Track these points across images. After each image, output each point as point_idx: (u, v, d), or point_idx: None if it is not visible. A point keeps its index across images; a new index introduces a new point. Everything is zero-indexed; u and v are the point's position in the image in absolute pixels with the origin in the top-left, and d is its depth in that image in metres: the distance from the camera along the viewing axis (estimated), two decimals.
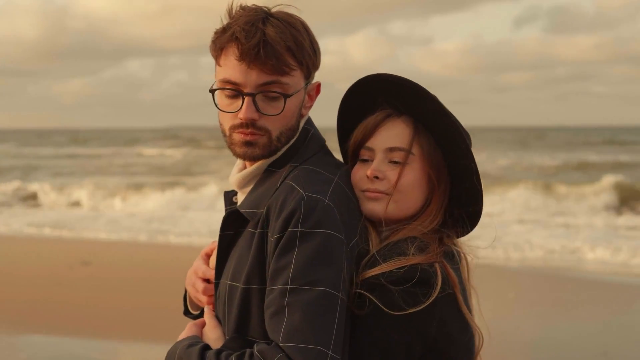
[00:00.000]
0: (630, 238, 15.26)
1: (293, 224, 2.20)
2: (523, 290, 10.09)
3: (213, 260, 2.51)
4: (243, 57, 2.27)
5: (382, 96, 2.45)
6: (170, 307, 9.42)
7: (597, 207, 20.87)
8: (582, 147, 55.67)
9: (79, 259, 12.41)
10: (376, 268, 2.24)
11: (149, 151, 57.73)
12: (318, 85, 2.46)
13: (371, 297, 2.21)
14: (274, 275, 2.21)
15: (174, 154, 53.45)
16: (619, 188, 22.63)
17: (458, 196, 2.45)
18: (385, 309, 2.19)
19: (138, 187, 27.23)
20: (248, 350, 2.19)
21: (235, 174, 2.50)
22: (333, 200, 2.26)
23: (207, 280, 2.53)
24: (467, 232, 2.49)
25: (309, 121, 2.48)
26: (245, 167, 2.49)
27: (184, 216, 20.04)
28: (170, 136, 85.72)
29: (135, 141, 75.64)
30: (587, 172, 31.49)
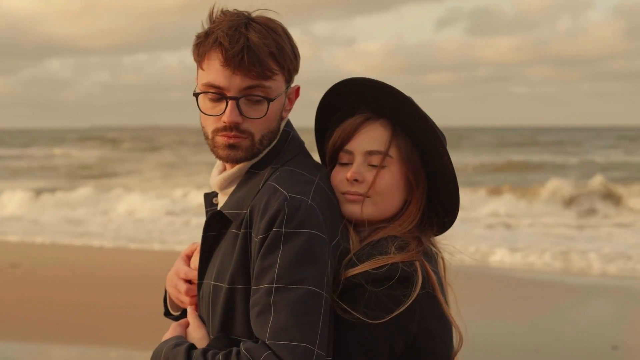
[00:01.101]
0: (557, 237, 15.59)
1: (277, 225, 2.24)
2: (455, 290, 10.18)
3: (195, 261, 2.54)
4: (228, 62, 2.30)
5: (360, 100, 2.50)
6: (100, 306, 9.42)
7: (528, 207, 21.17)
8: (506, 147, 56.43)
9: (6, 262, 12.24)
10: (358, 267, 2.29)
11: (69, 152, 56.87)
12: (297, 89, 2.50)
13: (352, 306, 2.26)
14: (260, 274, 2.25)
15: (95, 154, 52.75)
16: (548, 189, 23.01)
17: (436, 197, 2.51)
18: (368, 320, 2.25)
19: (58, 188, 26.85)
20: (235, 349, 2.23)
21: (215, 175, 2.52)
22: (315, 201, 2.31)
23: (188, 281, 2.55)
24: (444, 231, 2.56)
25: (289, 123, 2.51)
26: (225, 169, 2.52)
27: (107, 217, 19.95)
28: (91, 137, 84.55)
29: (55, 141, 74.41)
30: (515, 172, 31.93)
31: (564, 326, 8.83)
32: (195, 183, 29.36)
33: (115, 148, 60.63)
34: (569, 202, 21.77)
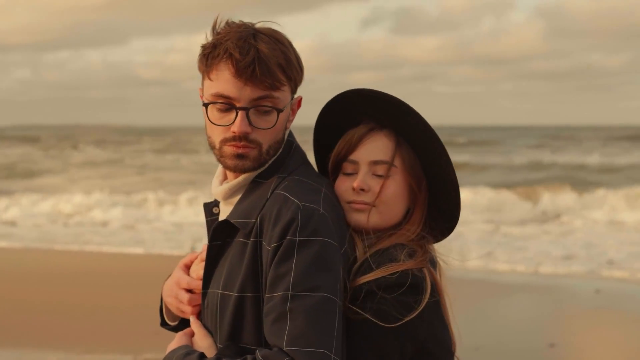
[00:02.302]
0: (491, 236, 15.81)
1: (291, 233, 2.28)
2: None
3: (197, 270, 2.55)
4: (239, 73, 2.33)
5: (363, 111, 2.55)
6: (37, 308, 9.26)
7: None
8: None
9: None
10: (370, 274, 2.35)
11: None
12: (300, 100, 2.53)
13: (366, 311, 2.31)
14: (274, 282, 2.28)
15: (15, 153, 51.89)
16: (477, 189, 23.26)
17: (436, 205, 2.58)
18: (380, 323, 2.30)
19: None
20: (249, 357, 2.25)
21: (217, 185, 2.55)
22: (326, 210, 2.35)
23: (189, 291, 2.56)
24: (443, 238, 2.63)
25: (290, 133, 2.55)
26: (225, 179, 2.55)
27: (30, 217, 19.72)
28: (11, 135, 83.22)
29: None
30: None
31: (503, 325, 8.95)
32: (114, 185, 29.11)
33: (37, 146, 59.71)
34: (499, 202, 21.99)
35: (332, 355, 2.21)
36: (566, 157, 43.54)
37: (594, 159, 42.54)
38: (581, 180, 27.63)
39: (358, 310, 2.31)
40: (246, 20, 2.45)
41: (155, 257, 13.74)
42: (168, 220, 19.31)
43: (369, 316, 2.30)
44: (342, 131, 2.58)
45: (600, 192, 23.20)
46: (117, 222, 18.86)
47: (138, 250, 14.41)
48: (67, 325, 8.75)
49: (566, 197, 22.37)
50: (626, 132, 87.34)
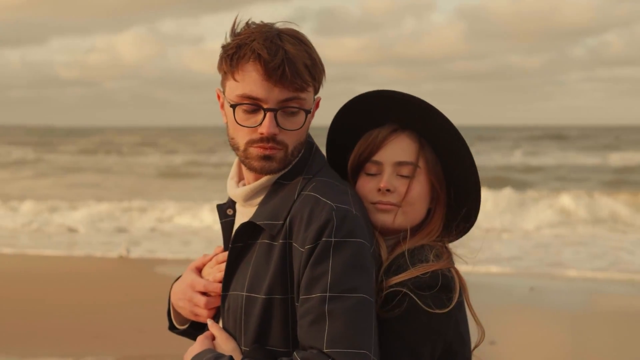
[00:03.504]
0: None
1: (327, 234, 2.26)
2: None
3: (212, 273, 2.51)
4: (269, 75, 2.30)
5: (385, 112, 2.54)
6: None
7: None
8: None
9: None
10: (403, 274, 2.36)
11: None
12: (319, 101, 2.50)
13: (400, 311, 2.33)
14: (310, 284, 2.25)
15: None
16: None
17: (456, 205, 2.59)
18: (415, 320, 2.32)
19: None
20: (285, 359, 2.25)
21: (233, 187, 2.52)
22: (357, 210, 2.34)
23: (204, 294, 2.51)
24: (459, 238, 2.65)
25: (309, 134, 2.52)
26: (240, 180, 2.53)
27: None
28: None
29: None
30: None
31: None
32: (37, 186, 28.65)
33: None
34: None
35: (372, 356, 2.20)
36: (491, 158, 44.10)
37: (517, 159, 43.26)
38: (508, 180, 28.01)
39: (392, 309, 2.32)
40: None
41: (90, 259, 13.61)
42: (102, 222, 19.12)
43: (403, 315, 2.31)
44: (359, 132, 2.58)
45: (532, 193, 23.63)
46: (47, 225, 18.61)
47: (71, 252, 14.23)
48: (3, 328, 8.60)
49: (500, 197, 22.59)
50: (546, 132, 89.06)
